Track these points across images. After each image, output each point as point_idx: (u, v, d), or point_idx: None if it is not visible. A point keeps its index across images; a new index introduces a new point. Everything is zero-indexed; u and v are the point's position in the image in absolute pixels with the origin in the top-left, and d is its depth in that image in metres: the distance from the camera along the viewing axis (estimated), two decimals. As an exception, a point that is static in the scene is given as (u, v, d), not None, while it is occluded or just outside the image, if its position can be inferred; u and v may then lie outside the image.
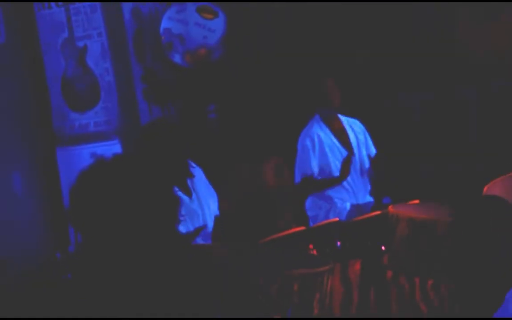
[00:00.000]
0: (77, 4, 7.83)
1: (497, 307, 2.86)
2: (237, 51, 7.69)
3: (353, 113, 6.62)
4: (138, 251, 2.54)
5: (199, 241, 5.24)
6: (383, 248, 5.29)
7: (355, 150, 6.48)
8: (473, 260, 3.15)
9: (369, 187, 6.50)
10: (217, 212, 5.46)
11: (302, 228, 5.35)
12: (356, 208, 6.34)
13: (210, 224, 5.37)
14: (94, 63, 7.85)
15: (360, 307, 5.30)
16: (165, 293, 2.54)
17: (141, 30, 7.83)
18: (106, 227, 2.53)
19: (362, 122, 6.61)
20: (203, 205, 5.36)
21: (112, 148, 7.67)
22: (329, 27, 7.50)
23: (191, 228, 5.17)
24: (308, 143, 6.37)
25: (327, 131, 6.45)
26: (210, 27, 7.49)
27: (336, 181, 6.33)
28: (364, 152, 6.51)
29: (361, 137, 6.54)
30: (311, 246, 5.21)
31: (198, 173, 5.49)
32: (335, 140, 6.44)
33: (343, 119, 6.56)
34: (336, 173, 6.36)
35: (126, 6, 7.80)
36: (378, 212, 5.57)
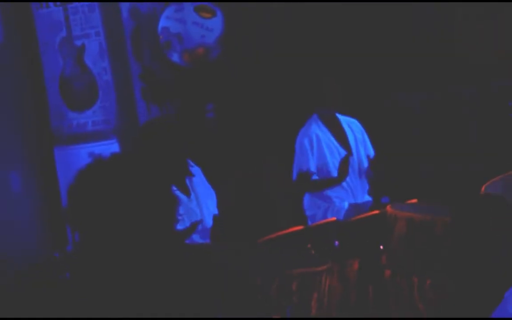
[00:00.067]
0: (75, 3, 7.82)
1: (495, 306, 2.86)
2: (236, 50, 7.69)
3: (352, 113, 6.62)
4: (136, 251, 2.54)
5: (198, 240, 5.24)
6: (381, 247, 5.30)
7: (353, 150, 6.47)
8: (472, 259, 3.15)
9: (367, 187, 6.50)
10: (216, 212, 5.46)
11: (301, 227, 5.36)
12: (355, 208, 6.34)
13: (209, 223, 5.37)
14: (92, 62, 7.84)
15: (358, 306, 5.30)
16: (163, 292, 2.53)
17: (139, 29, 7.83)
18: (104, 226, 2.53)
19: (361, 121, 6.61)
20: (201, 204, 5.36)
21: (110, 147, 7.66)
22: (328, 27, 7.50)
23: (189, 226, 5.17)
24: (306, 142, 6.37)
25: (325, 130, 6.45)
26: (208, 26, 7.49)
27: (334, 182, 6.33)
28: (362, 152, 6.51)
29: (359, 136, 6.54)
30: (309, 246, 5.21)
31: (196, 172, 5.49)
32: (333, 140, 6.44)
33: (341, 118, 6.56)
34: (334, 172, 6.36)
35: (124, 5, 7.79)
36: (377, 212, 5.57)
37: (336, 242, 5.35)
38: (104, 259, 2.54)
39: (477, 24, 7.18)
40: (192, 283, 2.59)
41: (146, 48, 7.85)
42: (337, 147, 6.43)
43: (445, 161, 7.26)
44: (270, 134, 7.54)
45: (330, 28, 7.48)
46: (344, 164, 6.29)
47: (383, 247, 5.25)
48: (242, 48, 7.75)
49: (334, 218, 5.73)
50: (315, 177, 6.33)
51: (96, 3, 7.77)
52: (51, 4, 7.89)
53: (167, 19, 7.53)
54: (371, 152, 6.55)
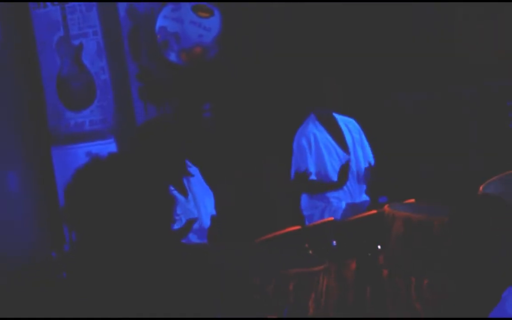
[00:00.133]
0: (73, 2, 7.82)
1: (493, 306, 2.86)
2: (233, 49, 7.69)
3: (352, 113, 6.62)
4: (133, 250, 2.53)
5: (195, 240, 5.23)
6: (379, 247, 5.30)
7: (351, 149, 6.47)
8: (469, 259, 3.15)
9: (364, 186, 6.50)
10: (213, 212, 5.45)
11: (298, 227, 5.35)
12: (352, 207, 6.33)
13: (206, 223, 5.37)
14: (89, 61, 7.84)
15: (355, 306, 5.30)
16: (160, 292, 2.53)
17: (136, 29, 7.82)
18: (101, 226, 2.53)
19: (361, 121, 6.61)
20: (199, 204, 5.35)
21: (107, 147, 7.66)
22: (328, 27, 7.50)
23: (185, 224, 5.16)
24: (304, 142, 6.36)
25: (323, 130, 6.44)
26: (206, 26, 7.48)
27: (334, 186, 6.32)
28: (359, 151, 6.51)
29: (356, 136, 6.54)
30: (306, 246, 5.21)
31: (194, 172, 5.48)
32: (330, 139, 6.44)
33: (339, 118, 6.56)
34: (332, 172, 6.36)
35: (122, 4, 7.79)
36: (374, 211, 5.57)
37: (334, 242, 5.35)
38: (101, 259, 2.53)
39: (477, 24, 7.19)
40: (189, 283, 2.59)
41: (144, 48, 7.84)
42: (334, 147, 6.43)
43: (444, 161, 7.26)
44: (268, 134, 7.53)
45: (330, 28, 7.48)
46: (344, 171, 6.30)
47: (381, 247, 5.25)
48: (239, 48, 7.75)
49: (332, 218, 5.73)
50: (313, 177, 6.33)
51: (93, 3, 7.77)
52: (48, 3, 7.89)
53: (165, 19, 7.52)
54: (369, 152, 6.55)
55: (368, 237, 5.38)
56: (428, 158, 7.38)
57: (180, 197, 5.22)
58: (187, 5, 7.53)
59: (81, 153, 7.67)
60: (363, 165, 6.48)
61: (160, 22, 7.56)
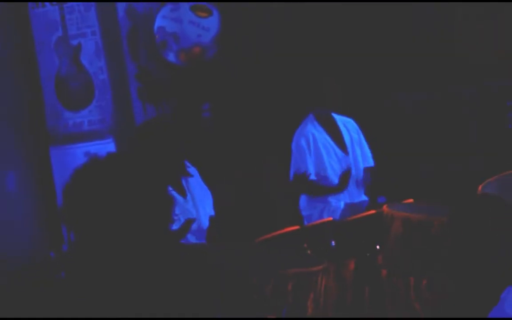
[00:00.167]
0: (71, 2, 7.81)
1: (492, 307, 2.86)
2: (232, 49, 7.68)
3: (352, 113, 6.62)
4: (131, 250, 2.53)
5: (194, 241, 5.23)
6: (377, 247, 5.29)
7: (349, 149, 6.47)
8: (468, 259, 3.15)
9: (363, 186, 6.49)
10: (212, 213, 5.45)
11: (297, 227, 5.35)
12: (351, 207, 6.33)
13: (205, 224, 5.36)
14: (88, 61, 7.83)
15: (354, 306, 5.30)
16: (159, 292, 2.53)
17: (135, 29, 7.82)
18: (99, 226, 2.52)
19: (361, 121, 6.61)
20: (197, 205, 5.35)
21: (106, 147, 7.66)
22: (327, 27, 7.50)
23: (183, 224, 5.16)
24: (303, 142, 6.36)
25: (321, 130, 6.44)
26: (205, 26, 7.48)
27: (334, 190, 6.32)
28: (358, 151, 6.51)
29: (355, 136, 6.54)
30: (305, 246, 5.21)
31: (193, 173, 5.48)
32: (329, 139, 6.44)
33: (337, 118, 6.56)
34: (331, 172, 6.36)
35: (120, 4, 7.78)
36: (373, 211, 5.57)
37: (332, 242, 5.35)
38: (100, 259, 2.53)
39: (477, 24, 7.19)
40: (188, 283, 2.58)
41: (142, 48, 7.84)
42: (333, 147, 6.43)
43: (444, 161, 7.26)
44: (267, 134, 7.53)
45: (330, 28, 7.48)
46: (345, 177, 6.30)
47: (380, 247, 5.25)
48: (238, 48, 7.74)
49: (330, 218, 5.72)
50: (313, 177, 6.33)
51: (92, 3, 7.76)
52: (47, 3, 7.88)
53: (163, 19, 7.52)
54: (368, 152, 6.55)
55: (367, 237, 5.38)
56: (427, 158, 7.38)
57: (178, 197, 5.22)
58: (186, 5, 7.52)
59: (79, 153, 7.67)
60: (362, 165, 6.48)
61: (158, 22, 7.55)
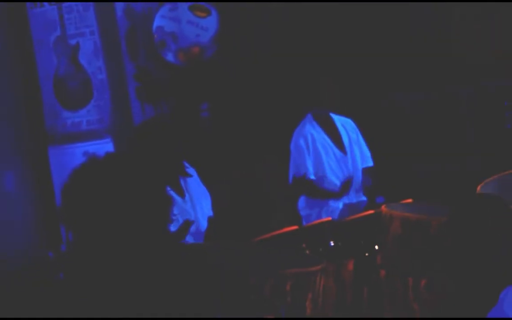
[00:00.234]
0: (70, 2, 7.81)
1: (491, 307, 2.86)
2: (230, 49, 7.68)
3: (349, 113, 6.62)
4: (130, 250, 2.53)
5: (192, 241, 5.22)
6: (376, 247, 5.29)
7: (348, 149, 6.47)
8: (467, 259, 3.14)
9: (361, 186, 6.49)
10: (210, 213, 5.44)
11: (295, 227, 5.34)
12: (349, 207, 6.33)
13: (203, 224, 5.35)
14: (86, 61, 7.83)
15: (353, 306, 5.29)
16: (157, 292, 2.52)
17: (133, 28, 7.81)
18: (98, 226, 2.52)
19: (358, 121, 6.61)
20: (195, 205, 5.34)
21: (104, 146, 7.65)
22: (325, 27, 7.50)
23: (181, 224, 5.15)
24: (302, 142, 6.36)
25: (320, 130, 6.44)
26: (203, 25, 7.48)
27: (334, 196, 6.32)
28: (356, 151, 6.51)
29: (353, 136, 6.54)
30: (304, 246, 5.20)
31: (191, 173, 5.47)
32: (327, 139, 6.44)
33: (335, 118, 6.56)
34: (330, 172, 6.36)
35: (119, 4, 7.78)
36: (371, 211, 5.56)
37: (331, 242, 5.35)
38: (99, 259, 2.53)
39: (474, 24, 7.19)
40: (187, 282, 2.58)
41: (141, 48, 7.83)
42: (331, 147, 6.43)
43: (442, 161, 7.26)
44: (266, 134, 7.53)
45: (328, 28, 7.48)
46: (346, 185, 6.31)
47: (378, 247, 5.25)
48: (237, 47, 7.74)
49: (329, 218, 5.72)
50: (312, 177, 6.33)
51: (90, 2, 7.76)
52: (45, 3, 7.88)
53: (162, 18, 7.52)
54: (366, 152, 6.55)
55: (365, 237, 5.37)
56: (426, 158, 7.38)
57: (177, 197, 5.21)
58: (184, 4, 7.52)
59: (78, 153, 7.67)
60: (360, 165, 6.48)
61: (157, 22, 7.55)
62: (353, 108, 6.77)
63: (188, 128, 7.48)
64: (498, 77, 7.15)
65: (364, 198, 6.48)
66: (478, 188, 4.66)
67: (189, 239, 5.17)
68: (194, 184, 5.42)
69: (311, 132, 6.41)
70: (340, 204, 6.36)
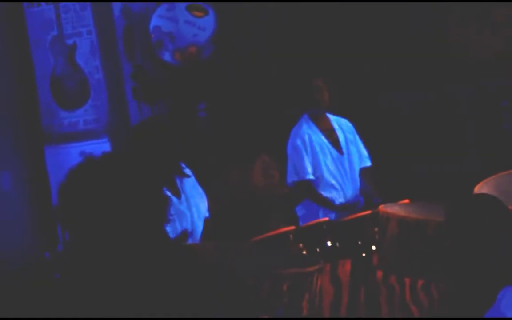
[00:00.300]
0: (67, 2, 7.81)
1: (489, 307, 2.86)
2: (228, 49, 7.68)
3: (348, 112, 6.62)
4: (127, 250, 2.52)
5: (188, 241, 5.20)
6: (373, 248, 5.29)
7: (344, 149, 6.47)
8: (464, 260, 3.14)
9: (358, 186, 6.49)
10: (206, 214, 5.43)
11: (292, 227, 5.34)
12: (346, 208, 6.33)
13: (199, 225, 5.34)
14: (83, 61, 7.82)
15: (350, 307, 5.29)
16: (153, 292, 2.52)
17: (131, 28, 7.81)
18: (94, 226, 2.51)
19: (357, 121, 6.61)
20: (191, 206, 5.32)
21: (101, 146, 7.65)
22: (323, 27, 7.50)
23: (179, 229, 5.14)
24: (300, 143, 6.36)
25: (316, 130, 6.44)
26: (200, 25, 7.47)
27: (334, 208, 6.31)
28: (353, 151, 6.50)
29: (350, 136, 6.54)
30: (301, 246, 5.20)
31: (188, 173, 5.46)
32: (324, 139, 6.43)
33: (332, 118, 6.56)
34: (327, 172, 6.36)
35: (116, 4, 7.78)
36: (368, 212, 5.56)
37: (328, 243, 5.34)
38: (95, 259, 2.52)
39: (473, 24, 7.19)
40: (183, 282, 2.58)
41: (138, 47, 7.83)
42: (328, 147, 6.43)
43: (440, 161, 7.26)
44: (263, 134, 7.52)
45: (326, 28, 7.47)
46: (348, 204, 6.32)
47: (375, 247, 5.24)
48: (234, 47, 7.74)
49: (326, 218, 5.72)
50: (310, 177, 6.33)
51: (87, 2, 7.76)
52: (42, 2, 7.87)
53: (159, 18, 7.51)
54: (363, 152, 6.54)
55: (362, 238, 5.37)
56: (424, 158, 7.38)
57: (173, 198, 5.20)
58: (182, 4, 7.52)
59: (74, 152, 7.66)
60: (357, 165, 6.48)
61: (154, 22, 7.55)
62: (352, 108, 6.77)
63: (185, 128, 7.48)
64: (497, 78, 7.15)
65: (361, 198, 6.48)
66: (476, 188, 4.66)
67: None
68: (190, 185, 5.41)
69: (308, 132, 6.41)
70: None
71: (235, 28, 7.69)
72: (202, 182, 5.55)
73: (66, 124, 7.94)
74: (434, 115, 7.40)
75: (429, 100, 7.44)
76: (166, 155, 5.22)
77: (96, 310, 2.49)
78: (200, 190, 5.49)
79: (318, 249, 5.26)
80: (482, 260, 3.09)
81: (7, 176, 7.72)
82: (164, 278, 2.54)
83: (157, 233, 2.59)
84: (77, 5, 7.80)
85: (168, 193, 5.07)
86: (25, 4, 7.88)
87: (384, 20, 7.40)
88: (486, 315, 2.86)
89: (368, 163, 6.54)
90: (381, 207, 5.01)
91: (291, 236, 5.20)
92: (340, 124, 6.56)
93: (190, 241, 5.20)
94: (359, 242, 5.37)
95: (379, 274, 5.24)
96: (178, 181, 5.32)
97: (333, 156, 6.40)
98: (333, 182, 6.38)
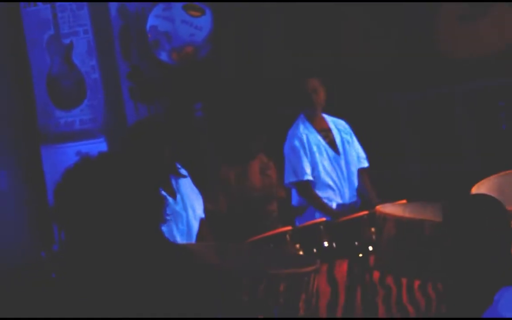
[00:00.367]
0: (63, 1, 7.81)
1: (486, 308, 2.85)
2: (224, 49, 7.67)
3: (344, 113, 6.61)
4: (123, 250, 2.52)
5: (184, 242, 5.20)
6: (370, 248, 5.28)
7: (340, 149, 6.47)
8: (462, 260, 3.14)
9: (355, 187, 6.49)
10: (202, 215, 5.42)
11: (289, 228, 5.34)
12: (343, 208, 6.32)
13: (195, 226, 5.33)
14: (80, 60, 7.82)
15: (346, 307, 5.29)
16: (149, 292, 2.51)
17: (127, 28, 7.80)
18: (90, 226, 2.51)
19: (353, 121, 6.60)
20: (187, 207, 5.31)
21: (97, 146, 7.64)
22: (320, 26, 7.49)
23: (175, 230, 5.14)
24: (297, 143, 6.36)
25: (313, 130, 6.44)
26: (197, 25, 7.47)
27: (332, 215, 6.30)
28: (349, 151, 6.50)
29: (346, 136, 6.54)
30: (297, 246, 5.20)
31: (184, 174, 5.45)
32: (321, 139, 6.43)
33: (328, 118, 6.56)
34: (324, 172, 6.36)
35: (113, 3, 7.77)
36: (365, 212, 5.56)
37: (325, 243, 5.34)
38: (91, 259, 2.52)
39: (471, 24, 7.19)
40: (179, 282, 2.57)
41: (135, 47, 7.82)
42: (325, 147, 6.42)
43: (437, 162, 7.26)
44: (260, 134, 7.51)
45: (323, 27, 7.47)
46: (342, 209, 6.31)
47: (372, 248, 5.24)
48: (231, 47, 7.73)
49: (323, 219, 5.71)
50: (309, 177, 6.32)
51: (84, 1, 7.75)
52: (39, 2, 7.86)
53: (156, 18, 7.51)
54: (360, 152, 6.54)
55: (359, 238, 5.37)
56: (421, 158, 7.38)
57: (168, 198, 5.19)
58: (178, 4, 7.51)
59: (71, 152, 7.65)
60: (355, 166, 6.48)
61: (151, 21, 7.54)
62: (350, 108, 6.77)
63: (182, 128, 7.47)
64: (494, 77, 7.15)
65: (358, 199, 6.48)
66: (473, 188, 4.66)
67: (181, 240, 5.15)
68: (186, 185, 5.40)
69: (305, 133, 6.40)
70: (334, 205, 6.35)
71: (232, 27, 7.68)
72: (198, 182, 5.54)
73: (62, 123, 7.93)
74: (432, 115, 7.40)
75: (427, 100, 7.44)
76: (162, 155, 5.21)
77: (92, 310, 2.48)
78: (196, 190, 5.48)
79: (315, 250, 5.25)
80: (480, 261, 3.09)
81: (3, 176, 7.71)
82: (160, 278, 2.54)
83: (153, 233, 2.58)
84: (73, 4, 7.79)
85: (164, 193, 5.07)
86: (22, 3, 7.88)
87: (381, 20, 7.40)
88: (483, 316, 2.85)
89: (366, 164, 6.54)
90: (378, 208, 5.01)
91: (288, 236, 5.19)
92: (337, 125, 6.56)
93: (186, 241, 5.20)
94: (356, 243, 5.37)
95: (376, 274, 5.24)
96: (174, 181, 5.31)
97: (330, 156, 6.40)
98: (330, 182, 6.38)
